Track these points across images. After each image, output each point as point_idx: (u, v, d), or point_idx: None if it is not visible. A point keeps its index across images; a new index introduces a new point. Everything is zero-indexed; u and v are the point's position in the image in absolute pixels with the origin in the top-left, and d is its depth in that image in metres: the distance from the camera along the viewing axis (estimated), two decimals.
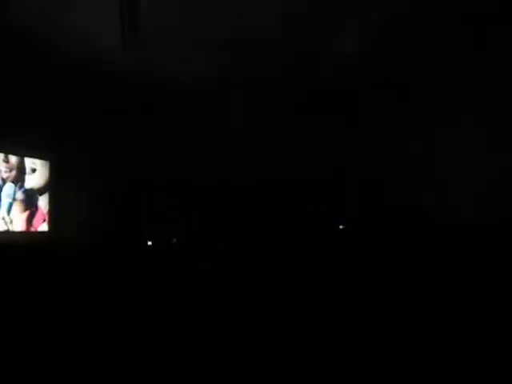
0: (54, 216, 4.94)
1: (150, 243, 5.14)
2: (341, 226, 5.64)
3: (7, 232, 4.46)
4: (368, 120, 5.81)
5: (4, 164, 4.49)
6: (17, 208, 4.60)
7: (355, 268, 4.49)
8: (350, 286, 4.06)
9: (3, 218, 4.44)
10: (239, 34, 4.55)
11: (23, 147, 4.66)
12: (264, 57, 5.01)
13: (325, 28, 4.49)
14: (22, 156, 4.66)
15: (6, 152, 4.50)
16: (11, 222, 4.52)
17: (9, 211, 4.51)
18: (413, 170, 5.08)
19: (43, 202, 4.89)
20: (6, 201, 4.48)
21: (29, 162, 4.75)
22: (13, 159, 4.58)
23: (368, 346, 2.71)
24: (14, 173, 4.59)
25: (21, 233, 4.62)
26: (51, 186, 4.96)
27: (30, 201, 4.75)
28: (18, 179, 4.63)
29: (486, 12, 4.12)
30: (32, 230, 4.76)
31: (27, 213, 4.72)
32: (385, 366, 2.44)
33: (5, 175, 4.49)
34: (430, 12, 4.22)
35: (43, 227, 4.87)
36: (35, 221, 4.81)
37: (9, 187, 4.52)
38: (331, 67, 5.21)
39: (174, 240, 5.21)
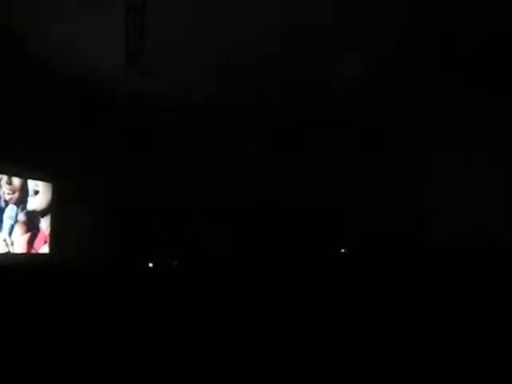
0: (55, 238, 4.94)
1: (151, 265, 5.11)
2: (342, 250, 5.62)
3: (8, 254, 4.45)
4: (368, 145, 5.89)
5: (7, 186, 4.51)
6: (18, 230, 4.60)
7: (357, 291, 4.45)
8: (353, 310, 4.01)
9: (4, 240, 4.44)
10: (240, 59, 4.66)
11: (26, 169, 4.71)
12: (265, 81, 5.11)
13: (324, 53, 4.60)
14: (25, 178, 4.71)
15: (10, 174, 4.54)
16: (12, 243, 4.52)
17: (10, 233, 4.51)
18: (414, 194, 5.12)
19: (45, 224, 4.90)
20: (7, 222, 4.48)
21: (32, 184, 4.78)
22: (16, 181, 4.61)
23: (365, 363, 2.69)
24: (16, 195, 4.61)
25: (22, 254, 4.61)
26: (53, 209, 4.98)
27: (31, 222, 4.76)
28: (21, 201, 4.65)
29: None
30: (33, 251, 4.75)
31: (29, 234, 4.72)
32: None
33: (7, 197, 4.51)
34: None
35: (44, 249, 4.86)
36: (36, 242, 4.80)
37: (11, 209, 4.53)
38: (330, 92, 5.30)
39: (175, 262, 5.19)
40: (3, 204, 4.45)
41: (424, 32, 4.15)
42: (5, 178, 4.49)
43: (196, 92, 5.18)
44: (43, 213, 4.91)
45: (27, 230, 4.71)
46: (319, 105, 5.67)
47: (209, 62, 4.68)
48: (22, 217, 4.64)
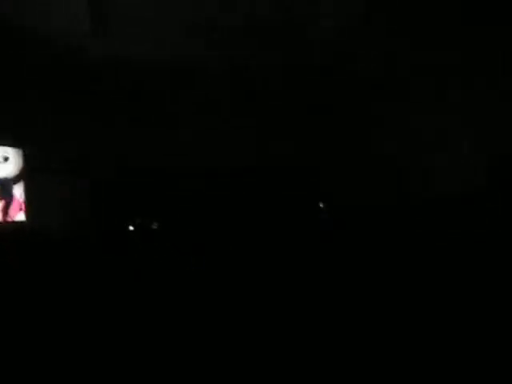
0: (30, 205, 4.86)
1: (131, 228, 5.14)
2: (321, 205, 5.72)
3: None
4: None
5: None
6: None
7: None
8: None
9: None
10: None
11: None
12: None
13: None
14: None
15: None
16: None
17: None
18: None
19: (18, 191, 4.80)
20: None
21: (1, 151, 4.63)
22: None
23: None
24: None
25: None
26: (26, 175, 4.86)
27: (4, 190, 4.65)
28: None
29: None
30: (9, 219, 4.67)
31: (2, 202, 4.63)
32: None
33: None
34: None
35: (20, 217, 4.79)
36: (11, 210, 4.72)
37: None
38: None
39: (156, 225, 5.23)
40: None
41: None
42: None
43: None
44: (15, 180, 4.79)
45: (0, 198, 4.62)
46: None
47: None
48: None
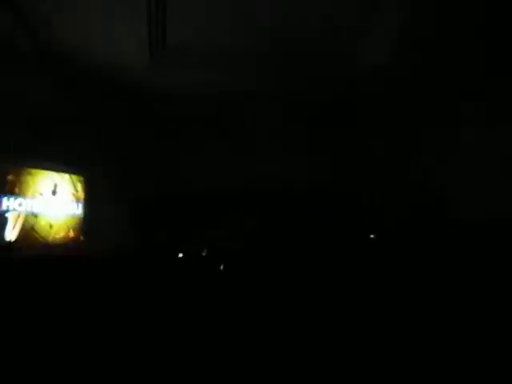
0: (86, 229, 5.10)
1: (180, 255, 5.15)
2: (371, 236, 5.50)
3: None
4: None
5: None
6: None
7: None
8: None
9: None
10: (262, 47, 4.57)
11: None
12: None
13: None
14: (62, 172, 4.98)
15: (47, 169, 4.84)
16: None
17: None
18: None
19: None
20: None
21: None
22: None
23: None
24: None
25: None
26: (85, 200, 5.14)
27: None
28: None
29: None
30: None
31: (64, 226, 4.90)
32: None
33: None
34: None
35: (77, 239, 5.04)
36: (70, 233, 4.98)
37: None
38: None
39: (205, 252, 5.21)
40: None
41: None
42: None
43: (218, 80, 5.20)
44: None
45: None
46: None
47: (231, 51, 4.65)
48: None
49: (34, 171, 4.67)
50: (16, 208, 4.44)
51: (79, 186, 5.18)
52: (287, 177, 5.61)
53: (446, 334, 2.63)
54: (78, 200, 5.14)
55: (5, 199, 4.35)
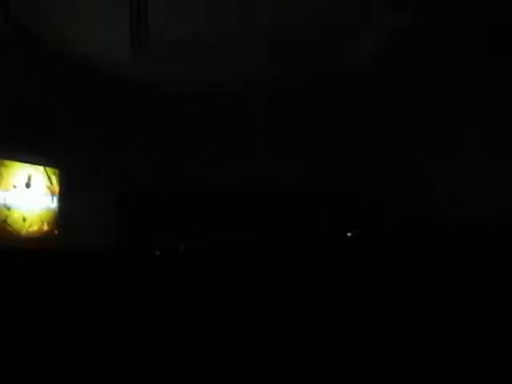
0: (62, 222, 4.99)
1: (158, 253, 5.13)
2: (348, 234, 5.61)
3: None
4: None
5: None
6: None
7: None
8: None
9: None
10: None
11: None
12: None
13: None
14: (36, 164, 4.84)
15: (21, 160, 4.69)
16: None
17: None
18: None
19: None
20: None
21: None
22: None
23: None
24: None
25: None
26: (59, 193, 5.03)
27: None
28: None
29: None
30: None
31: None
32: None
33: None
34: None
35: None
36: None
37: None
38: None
39: (182, 247, 5.20)
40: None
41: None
42: None
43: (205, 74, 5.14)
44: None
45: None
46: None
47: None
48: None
49: (7, 162, 4.54)
50: None
51: (54, 179, 5.06)
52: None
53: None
54: (52, 193, 5.02)
55: None
